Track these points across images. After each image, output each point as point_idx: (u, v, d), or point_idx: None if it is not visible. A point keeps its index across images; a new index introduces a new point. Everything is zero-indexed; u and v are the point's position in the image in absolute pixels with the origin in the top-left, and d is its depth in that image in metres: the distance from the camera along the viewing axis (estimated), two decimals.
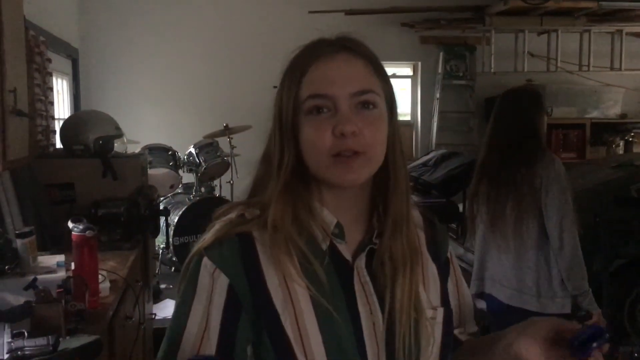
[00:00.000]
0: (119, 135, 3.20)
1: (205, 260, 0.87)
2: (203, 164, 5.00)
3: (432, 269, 0.99)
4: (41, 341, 1.42)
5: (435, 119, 6.57)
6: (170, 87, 6.11)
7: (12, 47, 2.07)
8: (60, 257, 2.08)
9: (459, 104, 6.59)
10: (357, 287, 0.89)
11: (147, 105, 6.08)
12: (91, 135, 3.05)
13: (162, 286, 4.41)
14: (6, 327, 1.52)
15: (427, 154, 5.40)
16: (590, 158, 5.49)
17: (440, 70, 6.55)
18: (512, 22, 5.85)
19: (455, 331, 1.02)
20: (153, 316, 3.22)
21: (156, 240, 3.92)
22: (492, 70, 5.80)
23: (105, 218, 2.74)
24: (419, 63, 6.73)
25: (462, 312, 1.05)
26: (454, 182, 4.36)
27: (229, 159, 5.10)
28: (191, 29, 6.10)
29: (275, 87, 0.93)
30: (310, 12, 5.68)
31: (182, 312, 0.86)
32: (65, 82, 5.29)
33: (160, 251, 4.66)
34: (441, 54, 6.55)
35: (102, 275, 1.99)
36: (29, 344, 1.41)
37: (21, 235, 2.05)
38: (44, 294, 1.59)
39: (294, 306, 0.85)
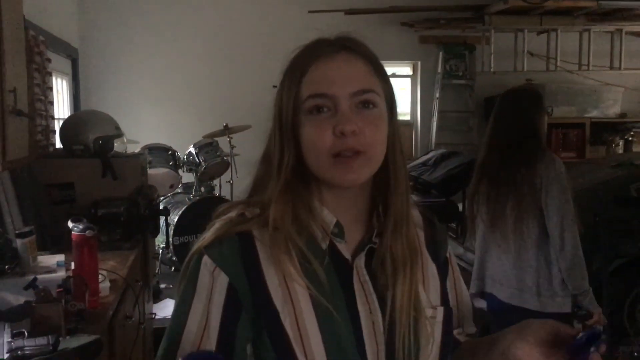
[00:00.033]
0: (119, 135, 3.20)
1: (205, 258, 0.87)
2: (203, 163, 4.99)
3: (431, 268, 0.99)
4: (41, 341, 1.42)
5: (435, 118, 6.57)
6: (170, 87, 6.10)
7: (12, 47, 2.07)
8: (60, 257, 2.08)
9: (458, 103, 6.59)
10: (357, 286, 0.90)
11: (147, 105, 6.07)
12: (91, 135, 3.05)
13: (162, 286, 4.41)
14: (6, 326, 1.53)
15: (427, 153, 5.40)
16: (589, 157, 5.50)
17: (439, 69, 6.55)
18: (511, 22, 5.84)
19: (454, 332, 1.02)
20: (153, 316, 3.22)
21: (156, 240, 3.92)
22: (492, 69, 5.80)
23: (105, 218, 2.73)
24: (419, 62, 6.73)
25: (460, 312, 1.05)
26: (454, 181, 4.36)
27: (229, 158, 5.10)
28: (191, 29, 6.10)
29: (275, 86, 0.93)
30: (310, 11, 5.67)
31: (182, 310, 0.86)
32: (65, 82, 5.29)
33: (160, 251, 4.66)
34: (441, 53, 6.54)
35: (102, 275, 1.99)
36: (29, 344, 1.41)
37: (21, 235, 2.04)
38: (44, 294, 1.59)
39: (294, 305, 0.85)
